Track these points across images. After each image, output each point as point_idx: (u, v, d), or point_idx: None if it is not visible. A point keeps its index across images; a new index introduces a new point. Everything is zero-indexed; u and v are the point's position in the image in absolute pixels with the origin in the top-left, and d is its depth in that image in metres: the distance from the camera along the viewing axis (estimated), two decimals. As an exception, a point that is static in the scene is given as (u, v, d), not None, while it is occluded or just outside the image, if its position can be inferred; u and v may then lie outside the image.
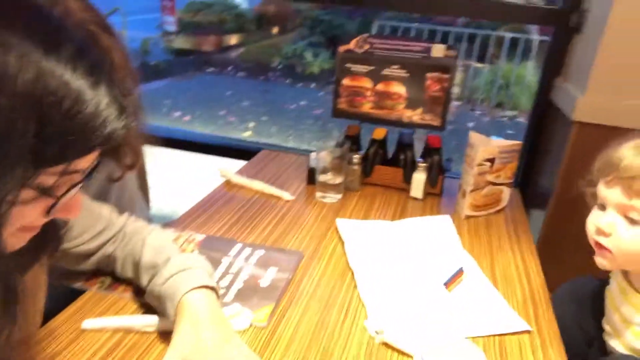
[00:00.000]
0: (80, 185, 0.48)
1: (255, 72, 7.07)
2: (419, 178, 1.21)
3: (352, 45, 1.25)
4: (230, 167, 1.34)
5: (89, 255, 0.80)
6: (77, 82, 0.42)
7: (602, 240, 0.73)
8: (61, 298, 0.78)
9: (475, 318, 0.80)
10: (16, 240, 0.48)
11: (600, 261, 0.75)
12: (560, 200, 1.26)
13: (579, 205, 1.22)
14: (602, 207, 0.75)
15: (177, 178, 2.94)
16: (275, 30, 8.17)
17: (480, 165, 1.09)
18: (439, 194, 1.25)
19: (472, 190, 1.11)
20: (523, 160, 1.47)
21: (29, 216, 0.46)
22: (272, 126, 4.95)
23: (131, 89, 0.87)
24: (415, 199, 1.23)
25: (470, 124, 4.88)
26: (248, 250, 0.97)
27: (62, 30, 0.44)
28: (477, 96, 5.70)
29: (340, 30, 7.02)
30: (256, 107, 5.57)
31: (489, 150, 1.09)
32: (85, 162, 0.47)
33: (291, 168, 1.40)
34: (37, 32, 0.41)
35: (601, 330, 0.85)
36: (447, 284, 0.88)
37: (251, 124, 5.00)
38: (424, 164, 1.21)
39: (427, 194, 1.24)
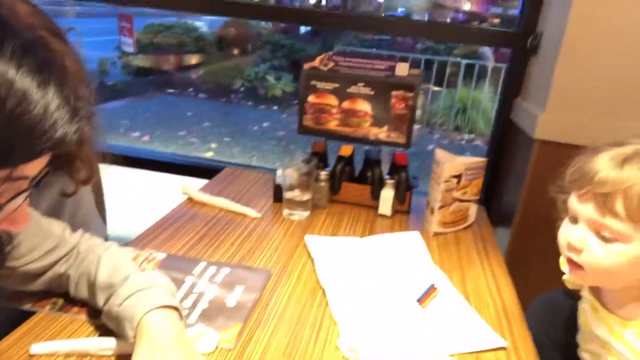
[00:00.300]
0: (26, 193, 0.44)
1: (216, 93, 7.03)
2: (387, 195, 1.21)
3: (317, 62, 1.25)
4: (192, 185, 1.29)
5: (38, 274, 0.74)
6: (23, 80, 0.38)
7: (574, 257, 0.69)
8: (8, 321, 0.71)
9: (450, 334, 0.79)
10: None
11: (571, 278, 0.72)
12: (524, 217, 1.29)
13: (543, 222, 1.25)
14: (574, 220, 0.70)
15: (134, 197, 2.83)
16: (235, 51, 8.18)
17: (447, 181, 1.10)
18: (406, 211, 1.25)
19: (440, 207, 1.11)
20: (486, 179, 1.49)
21: None
22: (234, 147, 4.90)
23: (85, 96, 0.83)
24: (383, 216, 1.22)
25: (430, 147, 5.00)
26: (213, 268, 0.92)
27: (7, 28, 0.40)
28: (436, 120, 5.86)
29: (301, 54, 7.11)
30: (218, 128, 5.50)
31: (455, 166, 1.10)
32: (32, 169, 0.43)
33: (256, 185, 1.36)
34: None
35: (574, 345, 0.84)
36: (420, 300, 0.87)
37: (213, 145, 4.93)
38: (392, 181, 1.20)
39: (395, 211, 1.23)
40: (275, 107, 6.55)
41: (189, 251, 1.00)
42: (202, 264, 0.94)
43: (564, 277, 0.75)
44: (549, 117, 1.22)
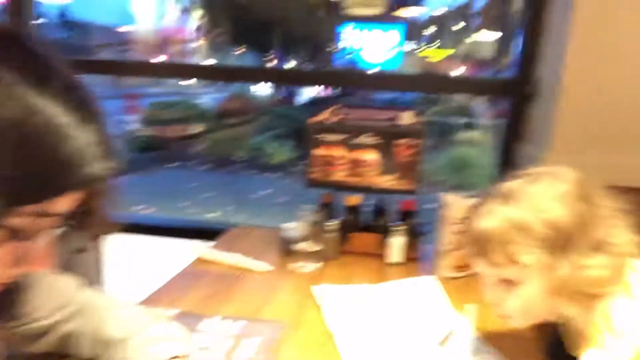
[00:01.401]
0: (56, 231, 0.45)
1: (219, 164, 7.16)
2: (397, 242, 1.20)
3: (322, 116, 1.29)
4: (200, 246, 1.28)
5: (42, 334, 0.71)
6: (64, 116, 0.40)
7: (499, 310, 0.72)
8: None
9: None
10: None
11: (513, 325, 0.74)
12: None
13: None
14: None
15: (138, 264, 2.79)
16: (237, 123, 8.44)
17: (456, 223, 1.09)
18: (418, 258, 1.23)
19: (450, 250, 1.10)
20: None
21: None
22: (237, 214, 4.90)
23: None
24: (394, 264, 1.21)
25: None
26: (227, 322, 0.90)
27: (52, 67, 0.43)
28: (436, 178, 5.92)
29: (303, 123, 7.32)
30: (221, 197, 5.55)
31: (462, 208, 1.10)
32: (61, 205, 0.44)
33: (264, 242, 1.35)
34: (25, 67, 0.40)
35: None
36: (441, 342, 0.84)
37: (216, 214, 4.94)
38: (401, 228, 1.20)
39: (406, 258, 1.21)
40: (279, 174, 6.64)
41: (201, 308, 0.97)
42: (216, 319, 0.91)
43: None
44: (552, 159, 1.23)
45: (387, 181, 1.27)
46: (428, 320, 0.92)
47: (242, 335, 0.86)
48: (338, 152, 1.29)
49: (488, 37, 11.83)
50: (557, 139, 1.25)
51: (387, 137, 1.25)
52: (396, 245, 1.20)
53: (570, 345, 0.73)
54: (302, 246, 1.17)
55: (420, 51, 12.75)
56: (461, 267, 1.13)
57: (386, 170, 1.27)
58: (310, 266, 1.17)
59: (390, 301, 0.99)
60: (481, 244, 0.66)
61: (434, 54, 12.90)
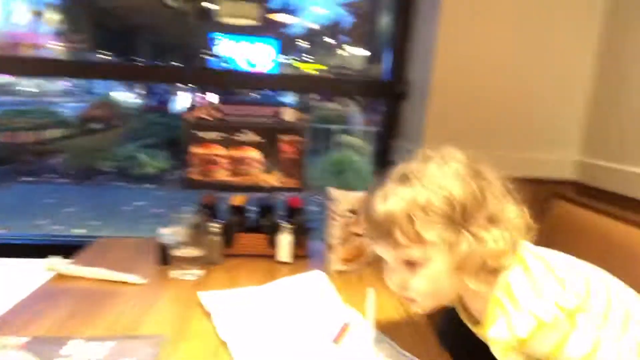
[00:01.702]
0: None
1: (83, 176, 6.48)
2: (285, 240, 1.15)
3: (199, 112, 1.20)
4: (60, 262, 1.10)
5: None
6: None
7: (404, 294, 0.71)
8: None
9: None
10: None
11: (414, 309, 0.73)
12: None
13: None
14: (386, 262, 0.72)
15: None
16: (101, 132, 7.75)
17: (343, 216, 1.08)
18: (307, 256, 1.20)
19: (339, 244, 1.09)
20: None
21: None
22: (104, 230, 4.47)
23: None
24: (283, 263, 1.16)
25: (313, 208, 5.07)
26: (93, 345, 0.77)
27: None
28: (316, 182, 6.04)
29: (177, 132, 6.96)
30: (85, 212, 5.01)
31: (350, 201, 1.09)
32: None
33: (137, 252, 1.21)
34: None
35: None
36: (335, 339, 0.81)
37: (80, 231, 4.44)
38: (289, 226, 1.16)
39: (295, 256, 1.17)
40: (150, 185, 6.21)
41: (63, 330, 0.82)
42: (78, 342, 0.77)
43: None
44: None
45: (271, 179, 1.22)
46: (321, 317, 0.88)
47: (111, 356, 0.73)
48: (218, 150, 1.21)
49: (358, 52, 12.51)
50: (429, 135, 1.32)
51: (270, 134, 1.21)
52: (285, 243, 1.15)
53: (472, 324, 0.74)
54: (183, 252, 1.06)
55: (294, 64, 13.02)
56: (350, 260, 1.12)
57: (270, 167, 1.22)
58: (193, 273, 1.07)
59: (281, 300, 0.94)
60: (384, 227, 0.65)
61: (307, 67, 13.27)
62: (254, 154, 1.21)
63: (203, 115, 1.20)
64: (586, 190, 1.29)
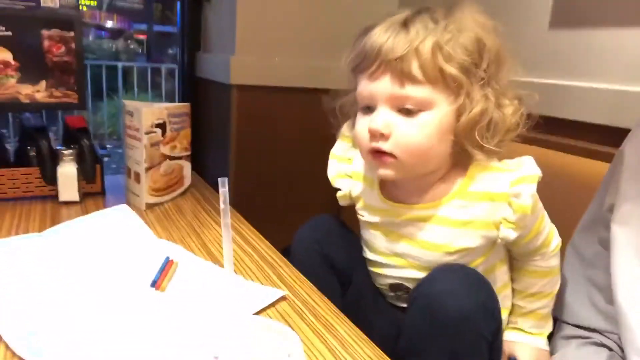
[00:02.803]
0: None
1: None
2: (67, 172, 0.85)
3: None
4: None
5: None
6: None
7: (382, 145, 0.59)
8: None
9: (214, 308, 0.56)
10: None
11: (384, 172, 0.61)
12: (239, 162, 1.17)
13: (256, 161, 1.17)
14: (368, 110, 0.61)
15: None
16: None
17: (149, 133, 0.84)
18: (102, 192, 0.92)
19: (147, 169, 0.85)
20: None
21: None
22: None
23: None
24: (69, 203, 0.87)
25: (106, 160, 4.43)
26: None
27: None
28: (103, 131, 5.29)
29: None
30: None
31: (155, 113, 0.85)
32: None
33: None
34: None
35: (361, 260, 0.73)
36: (156, 285, 0.60)
37: None
38: (70, 153, 0.86)
39: (84, 194, 0.89)
40: None
41: None
42: None
43: (379, 172, 0.62)
44: (240, 60, 1.12)
45: (36, 92, 0.89)
46: (133, 262, 0.66)
47: None
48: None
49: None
50: (240, 41, 1.14)
51: (26, 26, 0.86)
52: (67, 176, 0.85)
53: (418, 198, 0.65)
54: None
55: None
56: (162, 190, 0.90)
57: (33, 75, 0.88)
58: None
59: (73, 248, 0.68)
60: (397, 59, 0.56)
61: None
62: (5, 55, 0.85)
63: None
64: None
